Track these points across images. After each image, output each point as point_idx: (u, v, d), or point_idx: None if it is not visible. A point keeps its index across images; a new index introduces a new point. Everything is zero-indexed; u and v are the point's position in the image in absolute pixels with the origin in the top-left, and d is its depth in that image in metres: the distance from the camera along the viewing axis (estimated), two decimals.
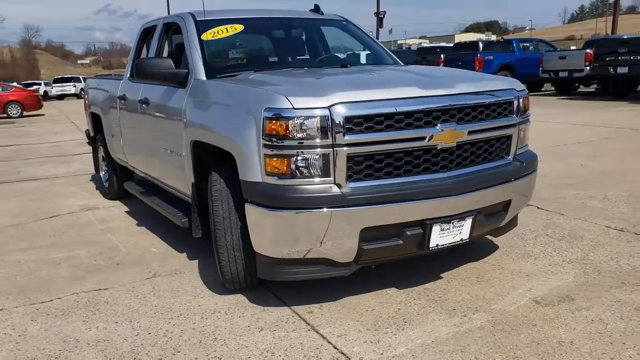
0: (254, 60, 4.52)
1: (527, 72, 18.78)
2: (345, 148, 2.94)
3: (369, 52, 4.79)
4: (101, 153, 6.68)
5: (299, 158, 2.93)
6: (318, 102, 2.92)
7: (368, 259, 3.17)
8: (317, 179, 2.96)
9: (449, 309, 3.21)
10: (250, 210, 3.09)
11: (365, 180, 3.04)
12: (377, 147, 3.01)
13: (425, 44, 57.72)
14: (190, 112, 3.77)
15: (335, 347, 2.82)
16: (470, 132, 3.25)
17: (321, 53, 4.75)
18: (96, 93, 6.43)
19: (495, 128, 3.41)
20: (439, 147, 3.14)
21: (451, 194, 3.15)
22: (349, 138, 2.93)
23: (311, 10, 4.99)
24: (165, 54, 4.88)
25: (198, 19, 4.35)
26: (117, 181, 6.20)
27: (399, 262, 3.87)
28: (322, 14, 4.96)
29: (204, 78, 3.86)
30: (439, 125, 3.11)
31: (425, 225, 3.13)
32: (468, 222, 3.27)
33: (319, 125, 2.90)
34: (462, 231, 3.27)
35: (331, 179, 2.97)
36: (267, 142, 2.94)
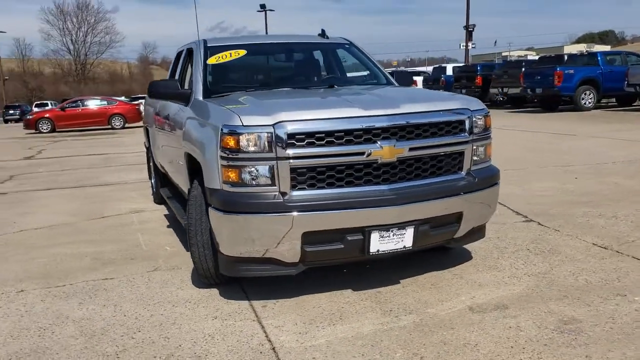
0: (252, 81, 5.01)
1: (612, 87, 18.04)
2: (288, 161, 3.34)
3: (367, 72, 5.15)
4: (152, 162, 7.43)
5: (248, 169, 3.37)
6: (264, 120, 3.35)
7: (313, 260, 3.54)
8: (263, 188, 3.38)
9: (386, 310, 3.49)
10: (211, 214, 3.56)
11: (309, 189, 3.42)
12: (319, 161, 3.38)
13: (532, 55, 55.90)
14: (186, 127, 4.31)
15: (266, 335, 3.21)
16: (412, 149, 3.53)
17: (315, 74, 5.16)
18: (147, 109, 7.20)
19: (441, 145, 3.66)
20: (379, 162, 3.46)
21: (389, 205, 3.45)
22: (291, 152, 3.33)
23: (319, 34, 5.41)
24: (188, 75, 5.47)
25: (208, 45, 4.91)
26: (160, 187, 6.90)
27: (367, 267, 4.21)
28: (327, 37, 5.37)
29: (201, 98, 4.39)
30: (379, 142, 3.43)
31: (364, 232, 3.45)
32: (410, 231, 3.54)
33: (264, 140, 3.33)
34: (403, 239, 3.55)
35: (276, 187, 3.37)
36: (223, 154, 3.40)
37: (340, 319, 3.40)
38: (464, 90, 24.34)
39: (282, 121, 3.34)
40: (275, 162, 3.34)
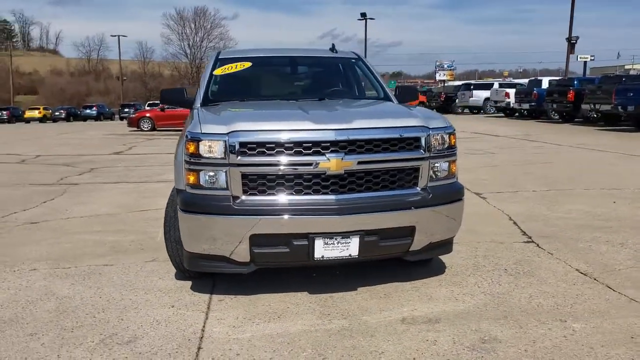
0: (251, 92, 5.32)
1: None
2: (240, 167, 3.64)
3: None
4: None
5: (205, 173, 3.70)
6: (220, 129, 3.67)
7: (261, 261, 3.80)
8: (217, 191, 3.70)
9: (325, 313, 3.68)
10: (178, 212, 3.92)
11: (260, 195, 3.69)
12: (268, 169, 3.65)
13: None
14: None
15: (203, 326, 3.52)
16: (360, 162, 3.70)
17: (312, 87, 5.40)
18: None
19: (393, 160, 3.79)
20: (327, 173, 3.66)
21: (334, 214, 3.65)
22: (243, 159, 3.62)
23: (330, 49, 5.65)
24: None
25: (220, 57, 5.32)
26: None
27: (336, 273, 4.40)
28: (336, 52, 5.60)
29: (199, 105, 4.78)
30: (327, 154, 3.64)
31: (309, 238, 3.67)
32: (355, 241, 3.71)
33: (218, 147, 3.65)
34: (348, 248, 3.72)
35: (229, 191, 3.68)
36: (186, 158, 3.76)
37: (278, 317, 3.64)
38: (554, 105, 23.40)
39: (236, 131, 3.64)
40: (228, 168, 3.65)
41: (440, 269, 4.55)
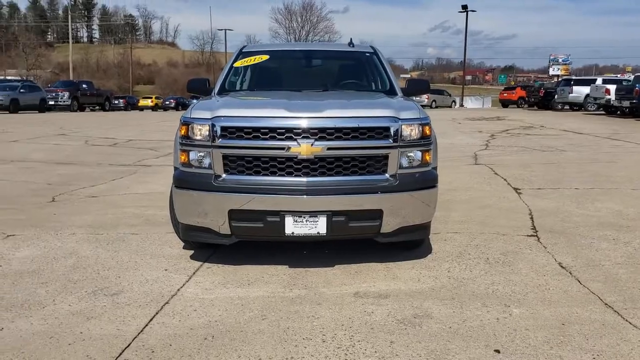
0: (262, 82, 5.74)
1: None
2: (221, 149, 4.10)
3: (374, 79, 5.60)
4: None
5: (193, 153, 4.19)
6: (205, 114, 4.15)
7: (240, 234, 4.23)
8: (203, 170, 4.18)
9: (290, 283, 4.06)
10: (172, 188, 4.45)
11: (239, 174, 4.14)
12: (246, 152, 4.08)
13: None
14: None
15: (181, 287, 4.01)
16: (330, 149, 4.03)
17: (319, 79, 5.73)
18: None
19: (362, 148, 4.08)
20: (298, 157, 4.03)
21: (302, 194, 4.02)
22: (224, 142, 4.08)
23: (348, 44, 5.97)
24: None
25: (243, 50, 5.81)
26: None
27: (325, 252, 4.76)
28: (353, 46, 5.90)
29: (214, 93, 5.30)
30: (298, 140, 4.01)
31: (280, 215, 4.06)
32: (322, 220, 4.06)
33: (204, 131, 4.13)
34: (317, 226, 4.07)
35: (212, 170, 4.15)
36: (180, 140, 4.28)
37: (248, 284, 4.07)
38: None
39: (219, 116, 4.10)
40: (211, 149, 4.12)
41: (423, 254, 4.76)
